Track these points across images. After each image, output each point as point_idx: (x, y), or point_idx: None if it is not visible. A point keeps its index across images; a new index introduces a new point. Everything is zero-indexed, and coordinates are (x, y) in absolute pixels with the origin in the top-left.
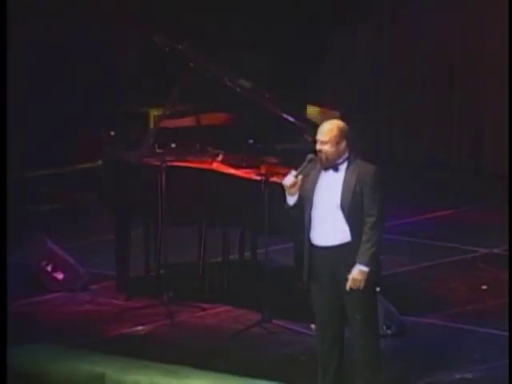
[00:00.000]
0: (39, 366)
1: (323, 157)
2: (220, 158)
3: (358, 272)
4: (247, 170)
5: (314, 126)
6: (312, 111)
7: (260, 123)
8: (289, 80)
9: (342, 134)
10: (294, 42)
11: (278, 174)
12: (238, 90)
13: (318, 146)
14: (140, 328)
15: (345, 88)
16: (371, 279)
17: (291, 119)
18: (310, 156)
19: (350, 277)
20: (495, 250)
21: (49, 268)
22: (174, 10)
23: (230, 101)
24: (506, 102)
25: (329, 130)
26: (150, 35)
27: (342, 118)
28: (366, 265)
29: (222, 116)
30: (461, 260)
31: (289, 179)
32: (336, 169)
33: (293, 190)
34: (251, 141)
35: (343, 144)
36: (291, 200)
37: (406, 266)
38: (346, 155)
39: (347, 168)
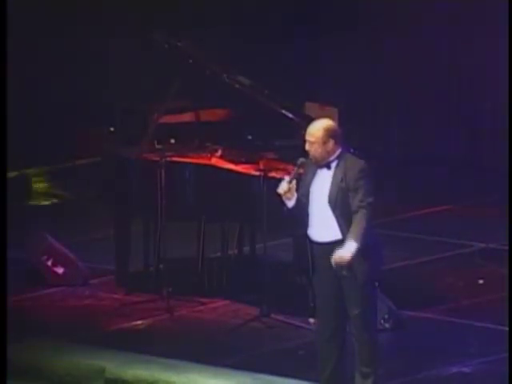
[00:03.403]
0: (39, 361)
1: (312, 157)
2: (219, 153)
3: (346, 247)
4: (246, 166)
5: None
6: (310, 108)
7: (259, 119)
8: (289, 80)
9: (329, 134)
10: (294, 42)
11: (276, 169)
12: (237, 86)
13: (307, 147)
14: (139, 322)
15: (345, 87)
16: (371, 274)
17: (290, 115)
18: (300, 160)
19: (338, 252)
20: (492, 245)
21: (49, 263)
22: (174, 9)
23: (229, 97)
24: (505, 99)
25: (315, 131)
26: (149, 32)
27: (339, 115)
28: (353, 240)
29: (220, 112)
30: (458, 255)
31: (283, 186)
32: (328, 167)
33: (288, 195)
34: (250, 136)
35: (331, 143)
36: (290, 204)
37: (403, 261)
38: (337, 153)
39: (337, 165)
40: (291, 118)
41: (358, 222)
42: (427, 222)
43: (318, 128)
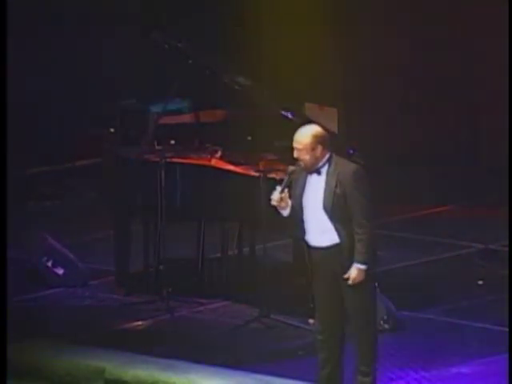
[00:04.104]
0: (39, 361)
1: (301, 163)
2: (219, 154)
3: (354, 271)
4: (245, 167)
5: (312, 123)
6: (310, 108)
7: (258, 120)
8: (288, 79)
9: (317, 140)
10: (294, 42)
11: (276, 170)
12: (237, 87)
13: (295, 154)
14: (139, 323)
15: (344, 86)
16: (371, 276)
17: (289, 116)
18: (290, 169)
19: (350, 276)
20: (491, 246)
21: (49, 263)
22: (174, 9)
23: (229, 98)
24: (505, 97)
25: (302, 138)
26: (149, 33)
27: (339, 115)
28: (361, 263)
29: (220, 113)
30: (457, 255)
31: (275, 196)
32: (318, 172)
33: (283, 204)
34: (250, 137)
35: (319, 149)
36: (285, 212)
37: (403, 262)
38: (326, 158)
39: (328, 170)
40: (291, 119)
41: (359, 241)
42: (427, 223)
43: (304, 135)
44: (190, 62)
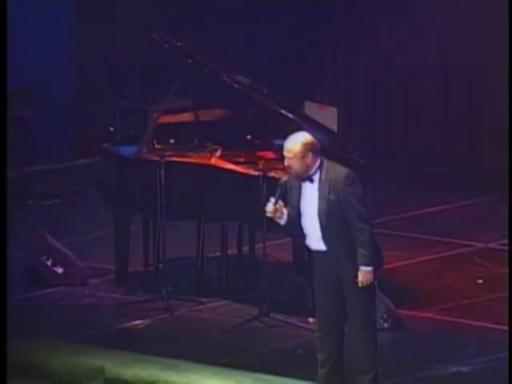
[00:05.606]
0: (39, 360)
1: (292, 172)
2: (218, 153)
3: (360, 274)
4: (245, 166)
5: (312, 122)
6: (310, 107)
7: (258, 119)
8: (288, 79)
9: (307, 148)
10: (294, 42)
11: (275, 169)
12: (237, 86)
13: (286, 162)
14: (139, 322)
15: (344, 86)
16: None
17: (289, 115)
18: (282, 180)
19: (358, 280)
20: (491, 245)
21: (49, 262)
22: (174, 9)
23: (229, 97)
24: (505, 96)
25: (292, 147)
26: (149, 32)
27: (339, 114)
28: (366, 265)
29: (220, 112)
30: (457, 254)
31: (270, 208)
32: (311, 180)
33: (278, 214)
34: (249, 136)
35: (309, 157)
36: (282, 222)
37: (402, 261)
38: (317, 165)
39: (320, 177)
40: (291, 118)
41: (360, 244)
42: (427, 222)
43: (294, 143)
44: (190, 61)
